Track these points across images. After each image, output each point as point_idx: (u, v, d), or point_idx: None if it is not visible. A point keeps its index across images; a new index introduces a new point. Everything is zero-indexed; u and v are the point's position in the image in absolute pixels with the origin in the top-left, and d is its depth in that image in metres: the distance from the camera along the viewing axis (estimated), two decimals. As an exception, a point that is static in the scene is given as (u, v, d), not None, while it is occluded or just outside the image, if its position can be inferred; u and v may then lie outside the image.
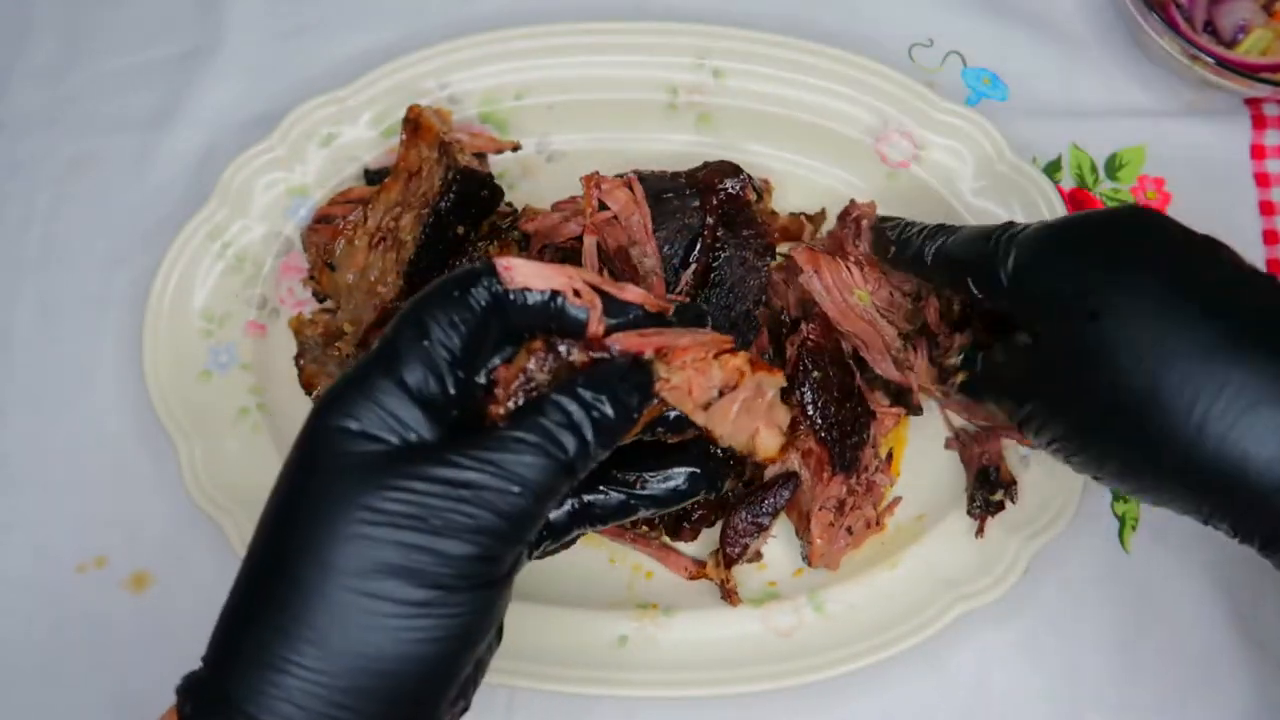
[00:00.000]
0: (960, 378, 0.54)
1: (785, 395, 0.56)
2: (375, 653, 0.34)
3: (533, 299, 0.39)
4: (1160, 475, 0.42)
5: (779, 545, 0.61)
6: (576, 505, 0.42)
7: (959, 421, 0.62)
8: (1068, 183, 0.67)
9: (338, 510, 0.35)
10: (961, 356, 0.55)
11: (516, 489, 0.35)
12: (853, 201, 0.60)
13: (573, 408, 0.37)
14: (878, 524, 0.60)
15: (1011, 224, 0.50)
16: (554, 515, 0.41)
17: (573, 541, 0.56)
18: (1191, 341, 0.41)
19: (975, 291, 0.50)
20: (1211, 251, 0.45)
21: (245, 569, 0.37)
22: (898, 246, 0.55)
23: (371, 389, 0.36)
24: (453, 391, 0.37)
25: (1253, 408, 0.40)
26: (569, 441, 0.36)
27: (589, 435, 0.37)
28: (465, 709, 0.40)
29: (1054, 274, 0.46)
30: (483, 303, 0.38)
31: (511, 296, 0.38)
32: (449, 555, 0.34)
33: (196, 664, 0.38)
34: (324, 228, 0.60)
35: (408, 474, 0.35)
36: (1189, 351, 0.41)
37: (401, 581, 0.34)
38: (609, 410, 0.37)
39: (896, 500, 0.61)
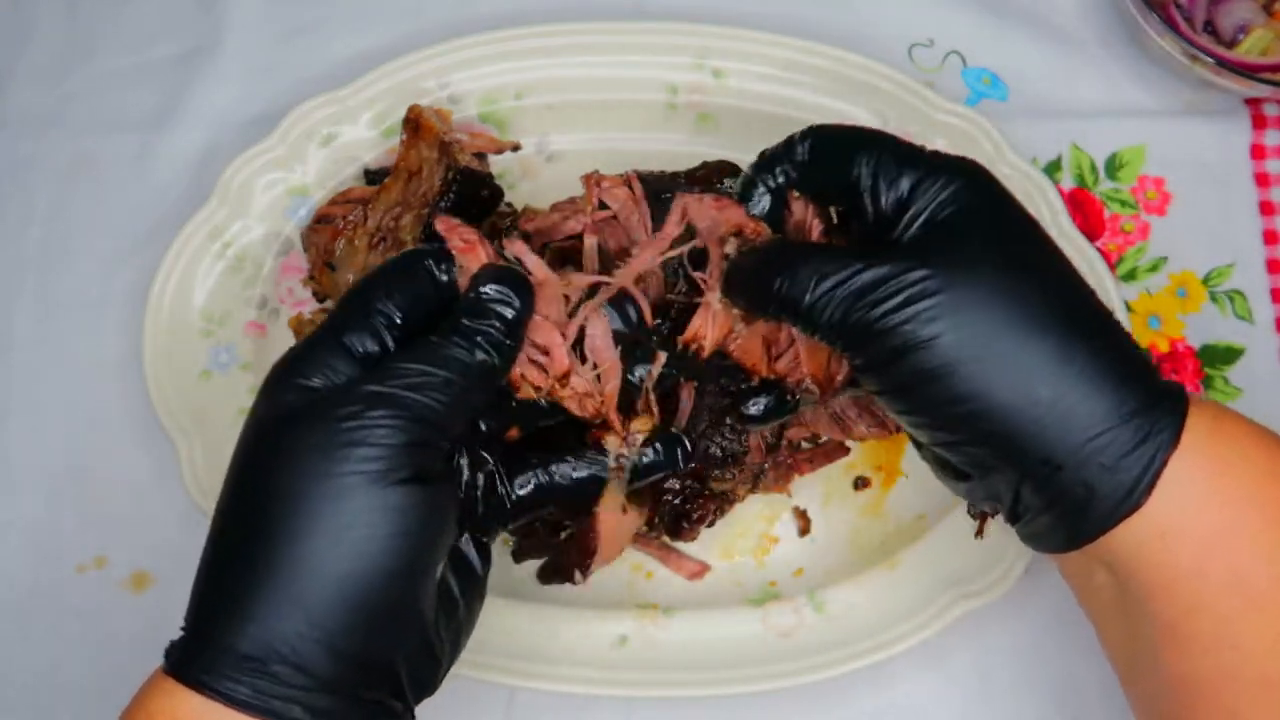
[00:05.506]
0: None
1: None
2: (352, 563, 0.37)
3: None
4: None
5: (780, 545, 0.61)
6: (543, 478, 0.45)
7: None
8: (1068, 183, 0.67)
9: (292, 446, 0.38)
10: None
11: (442, 374, 0.39)
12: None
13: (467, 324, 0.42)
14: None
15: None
16: (522, 491, 0.44)
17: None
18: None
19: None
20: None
21: (216, 525, 0.40)
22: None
23: (318, 354, 0.40)
24: (392, 349, 0.41)
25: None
26: (470, 350, 0.41)
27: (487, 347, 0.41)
28: (453, 661, 0.43)
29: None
30: (423, 283, 0.43)
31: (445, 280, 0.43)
32: (391, 445, 0.38)
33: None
34: (324, 228, 0.60)
35: (350, 393, 0.39)
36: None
37: (364, 483, 0.37)
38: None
39: None
